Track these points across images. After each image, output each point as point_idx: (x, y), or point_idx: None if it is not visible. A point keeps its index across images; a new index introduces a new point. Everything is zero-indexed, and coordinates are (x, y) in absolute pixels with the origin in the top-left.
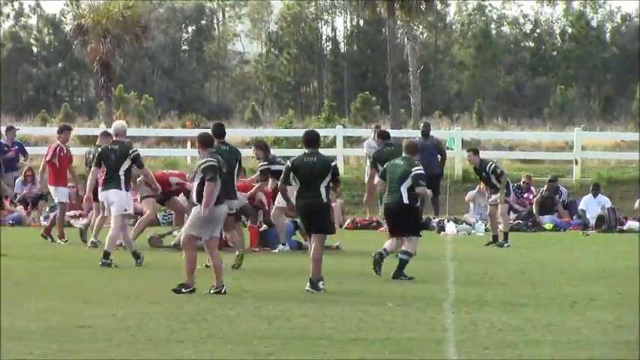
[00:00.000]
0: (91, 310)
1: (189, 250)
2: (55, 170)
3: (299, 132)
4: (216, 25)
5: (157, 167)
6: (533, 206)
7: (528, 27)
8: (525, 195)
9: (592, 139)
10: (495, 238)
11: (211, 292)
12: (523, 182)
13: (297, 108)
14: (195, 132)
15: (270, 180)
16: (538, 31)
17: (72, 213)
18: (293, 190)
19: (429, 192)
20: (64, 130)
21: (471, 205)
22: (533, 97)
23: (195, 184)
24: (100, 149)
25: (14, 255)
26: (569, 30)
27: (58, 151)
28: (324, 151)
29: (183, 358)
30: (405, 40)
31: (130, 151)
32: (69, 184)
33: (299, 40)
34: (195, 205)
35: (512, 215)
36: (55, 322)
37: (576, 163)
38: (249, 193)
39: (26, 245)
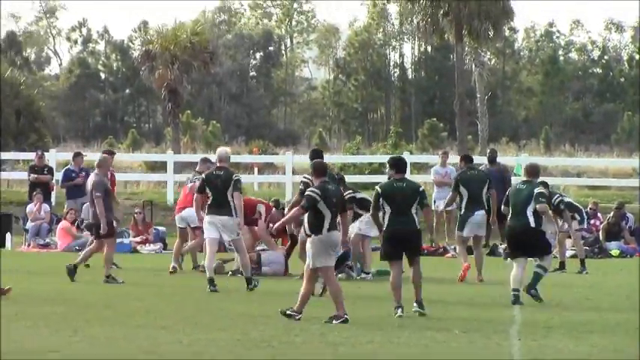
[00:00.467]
0: (157, 336)
1: (308, 282)
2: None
3: (366, 158)
4: (284, 52)
5: None
6: (600, 233)
7: (596, 53)
8: (592, 221)
9: None
10: (562, 264)
11: (334, 322)
12: (590, 209)
13: (365, 134)
14: (262, 158)
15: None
16: (606, 57)
17: (138, 239)
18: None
19: (548, 212)
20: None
21: None
22: (600, 124)
23: (306, 214)
24: (204, 175)
25: (80, 280)
26: (637, 56)
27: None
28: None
29: None
30: (473, 66)
31: (234, 176)
32: (136, 210)
33: (367, 67)
34: (309, 236)
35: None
36: (120, 348)
37: None
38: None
39: (92, 269)
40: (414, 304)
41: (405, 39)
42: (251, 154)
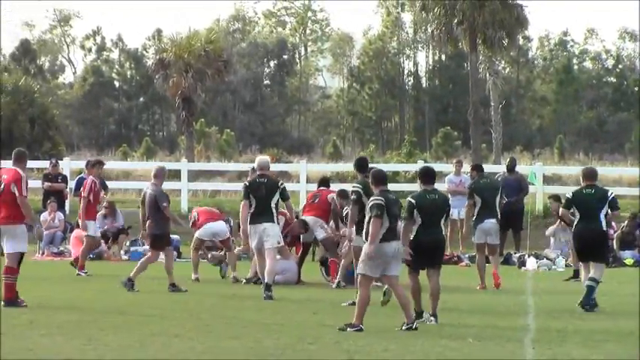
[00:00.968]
0: (171, 344)
1: (362, 289)
2: (88, 205)
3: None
4: (298, 60)
5: (238, 201)
6: (614, 242)
7: (610, 62)
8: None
9: None
10: (576, 273)
11: (403, 328)
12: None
13: (379, 143)
14: (276, 167)
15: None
16: (620, 66)
17: None
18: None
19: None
20: (96, 165)
21: (552, 240)
22: (614, 133)
23: (365, 221)
24: (247, 182)
25: (93, 288)
26: None
27: (92, 186)
28: (404, 187)
29: None
30: (487, 75)
31: (280, 184)
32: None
33: (381, 75)
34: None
35: None
36: (133, 356)
37: None
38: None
39: (111, 277)
40: (431, 317)
41: (419, 47)
42: None
